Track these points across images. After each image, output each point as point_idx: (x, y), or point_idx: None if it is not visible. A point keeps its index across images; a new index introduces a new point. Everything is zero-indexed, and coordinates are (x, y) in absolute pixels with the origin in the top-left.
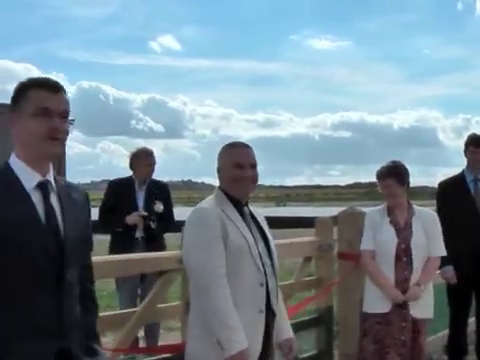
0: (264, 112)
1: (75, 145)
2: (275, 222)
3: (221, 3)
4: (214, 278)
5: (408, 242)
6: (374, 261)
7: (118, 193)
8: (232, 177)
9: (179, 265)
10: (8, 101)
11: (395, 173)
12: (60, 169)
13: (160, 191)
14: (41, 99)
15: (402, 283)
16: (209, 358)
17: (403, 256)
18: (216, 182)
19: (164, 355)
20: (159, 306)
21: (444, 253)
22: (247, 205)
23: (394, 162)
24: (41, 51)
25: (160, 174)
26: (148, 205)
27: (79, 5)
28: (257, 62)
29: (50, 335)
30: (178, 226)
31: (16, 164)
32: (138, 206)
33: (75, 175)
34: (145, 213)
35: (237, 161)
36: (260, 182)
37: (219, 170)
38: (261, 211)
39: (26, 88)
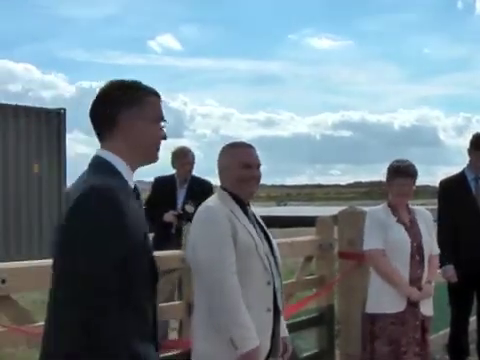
0: (265, 111)
1: (75, 145)
2: (276, 221)
3: (220, 2)
4: (226, 275)
5: (419, 240)
6: (387, 260)
7: (161, 190)
8: (239, 177)
9: (182, 264)
10: (8, 101)
11: (415, 173)
12: (61, 169)
13: (201, 188)
14: (160, 108)
15: (416, 282)
16: (220, 358)
17: (416, 255)
18: (217, 181)
19: (163, 354)
20: (161, 305)
21: (439, 251)
22: (249, 205)
23: (410, 162)
24: (41, 51)
25: (161, 173)
26: (186, 203)
27: (79, 5)
28: (257, 61)
29: (154, 339)
30: None
31: (119, 164)
32: (177, 204)
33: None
34: (180, 212)
35: (245, 161)
36: (261, 182)
37: (222, 170)
38: (262, 210)
39: (149, 92)
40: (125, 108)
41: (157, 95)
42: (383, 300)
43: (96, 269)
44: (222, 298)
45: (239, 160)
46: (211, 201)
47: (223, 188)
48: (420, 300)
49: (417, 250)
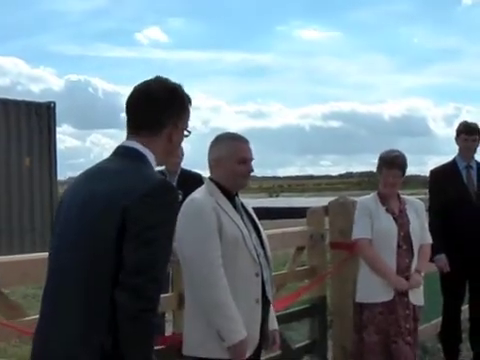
0: (254, 103)
1: (66, 139)
2: (268, 213)
3: None
4: (211, 269)
5: (407, 230)
6: (374, 249)
7: None
8: (234, 172)
9: (172, 257)
10: None
11: (403, 164)
12: (51, 163)
13: (191, 181)
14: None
15: (404, 271)
16: (210, 350)
17: (403, 244)
18: (206, 174)
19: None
20: None
21: (431, 241)
22: (237, 196)
23: (399, 152)
24: (29, 45)
25: None
26: None
27: None
28: (246, 53)
29: None
30: None
31: (153, 162)
32: None
33: (67, 169)
34: None
35: (242, 156)
36: (252, 173)
37: (217, 160)
38: (253, 202)
39: (190, 100)
40: (174, 115)
41: (190, 103)
42: (371, 289)
43: (168, 253)
44: (208, 291)
45: (236, 155)
46: (198, 193)
47: (212, 179)
48: (409, 289)
49: (404, 239)
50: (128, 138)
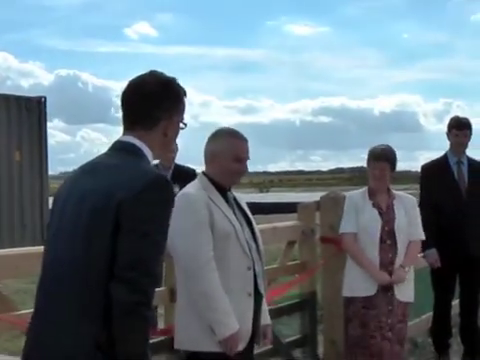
0: (244, 98)
1: (56, 133)
2: (259, 208)
3: None
4: (203, 263)
5: (392, 225)
6: (357, 243)
7: None
8: (229, 170)
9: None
10: None
11: (391, 158)
12: (42, 157)
13: (185, 176)
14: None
15: (387, 266)
16: (202, 343)
17: (387, 239)
18: (196, 169)
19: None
20: None
21: (424, 237)
22: (230, 190)
23: (388, 146)
24: (19, 40)
25: None
26: None
27: None
28: (236, 49)
29: None
30: None
31: (150, 156)
32: None
33: (58, 164)
34: None
35: (239, 155)
36: None
37: (214, 154)
38: (244, 197)
39: (184, 93)
40: (169, 109)
41: (186, 95)
42: (355, 283)
43: (163, 248)
44: (200, 285)
45: (233, 152)
46: (191, 187)
47: (205, 174)
48: (390, 285)
49: (388, 234)
50: (124, 133)
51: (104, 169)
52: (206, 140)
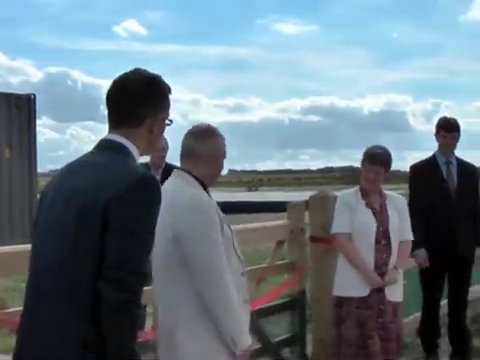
0: (233, 97)
1: (45, 131)
2: (247, 207)
3: None
4: (224, 271)
5: (386, 225)
6: (351, 244)
7: None
8: (220, 169)
9: None
10: None
11: (386, 161)
12: (31, 154)
13: None
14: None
15: (381, 267)
16: (212, 356)
17: (382, 239)
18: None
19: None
20: None
21: (413, 238)
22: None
23: (384, 149)
24: (8, 37)
25: None
26: None
27: None
28: (225, 47)
29: None
30: None
31: (136, 154)
32: None
33: (47, 162)
34: None
35: (225, 154)
36: (232, 167)
37: (213, 156)
38: (233, 196)
39: (169, 90)
40: (154, 106)
41: (171, 92)
42: (349, 283)
43: (150, 246)
44: (222, 295)
45: (224, 153)
46: (193, 188)
47: (192, 174)
48: (384, 286)
49: (383, 235)
50: (110, 131)
51: (91, 168)
52: (191, 137)
